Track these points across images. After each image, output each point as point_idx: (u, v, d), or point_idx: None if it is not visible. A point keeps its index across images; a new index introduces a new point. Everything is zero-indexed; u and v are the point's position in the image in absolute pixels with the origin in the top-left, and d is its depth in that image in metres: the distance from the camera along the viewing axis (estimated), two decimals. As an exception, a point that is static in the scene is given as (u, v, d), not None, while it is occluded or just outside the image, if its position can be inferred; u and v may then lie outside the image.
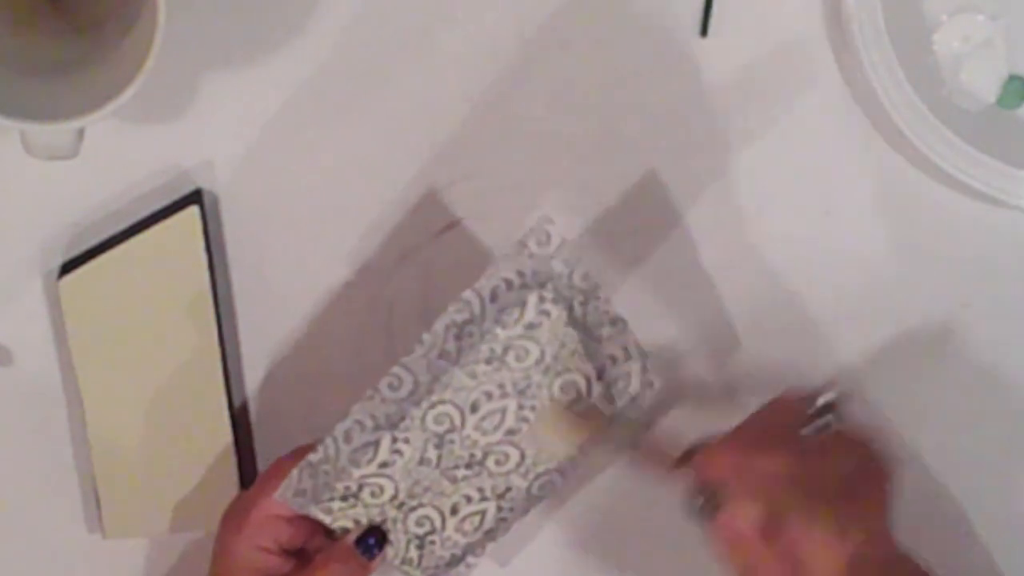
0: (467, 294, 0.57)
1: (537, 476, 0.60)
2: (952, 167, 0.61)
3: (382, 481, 0.58)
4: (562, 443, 0.59)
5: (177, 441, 0.62)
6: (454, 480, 0.59)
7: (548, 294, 0.57)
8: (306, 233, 0.63)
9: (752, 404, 0.58)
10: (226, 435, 0.62)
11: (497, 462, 0.59)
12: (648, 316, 0.63)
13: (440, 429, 0.58)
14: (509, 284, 0.57)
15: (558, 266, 0.57)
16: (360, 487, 0.58)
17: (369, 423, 0.58)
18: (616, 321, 0.59)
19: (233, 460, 0.63)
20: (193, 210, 0.61)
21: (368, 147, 0.63)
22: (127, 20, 0.56)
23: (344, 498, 0.58)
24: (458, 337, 0.58)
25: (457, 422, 0.58)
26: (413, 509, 0.59)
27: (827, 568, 0.52)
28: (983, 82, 0.63)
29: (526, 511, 0.61)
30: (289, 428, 0.64)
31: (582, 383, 0.59)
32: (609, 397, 0.60)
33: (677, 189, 0.64)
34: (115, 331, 0.61)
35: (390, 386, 0.57)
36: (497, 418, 0.58)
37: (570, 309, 0.58)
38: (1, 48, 0.56)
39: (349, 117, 0.62)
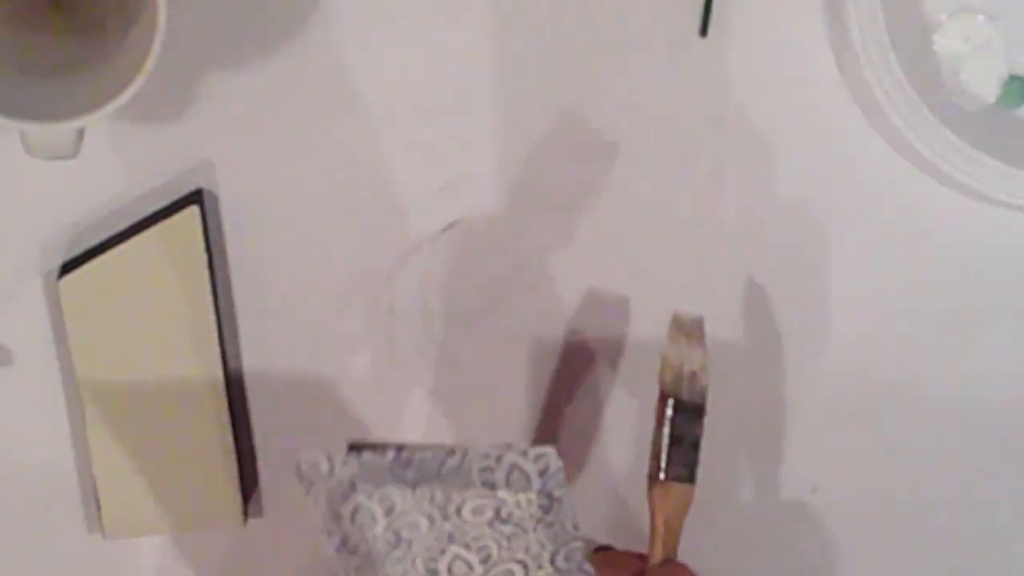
0: (322, 540, 0.54)
1: (551, 559, 0.56)
2: (952, 167, 0.61)
3: None
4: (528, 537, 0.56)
5: (177, 441, 0.62)
6: None
7: (367, 487, 0.54)
8: (306, 233, 0.63)
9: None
10: (226, 435, 0.62)
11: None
12: (650, 303, 0.63)
13: None
14: (332, 503, 0.54)
15: (346, 472, 0.54)
16: None
17: None
18: (453, 451, 0.54)
19: (233, 460, 0.63)
20: (193, 210, 0.60)
21: (368, 147, 0.62)
22: (127, 20, 0.56)
23: None
24: (352, 552, 0.55)
25: None
26: None
27: None
28: (983, 82, 0.63)
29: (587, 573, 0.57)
30: (289, 429, 0.64)
31: (485, 500, 0.54)
32: (523, 487, 0.55)
33: (676, 189, 0.64)
34: (115, 331, 0.61)
35: None
36: (460, 563, 0.55)
37: (401, 480, 0.54)
38: (1, 48, 0.56)
39: (349, 117, 0.62)
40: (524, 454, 0.55)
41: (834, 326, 0.65)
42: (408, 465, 0.55)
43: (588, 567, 0.55)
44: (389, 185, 0.63)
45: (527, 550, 0.56)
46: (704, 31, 0.63)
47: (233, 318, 0.63)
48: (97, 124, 0.52)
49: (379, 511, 0.54)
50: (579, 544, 0.56)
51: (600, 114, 0.63)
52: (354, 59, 0.62)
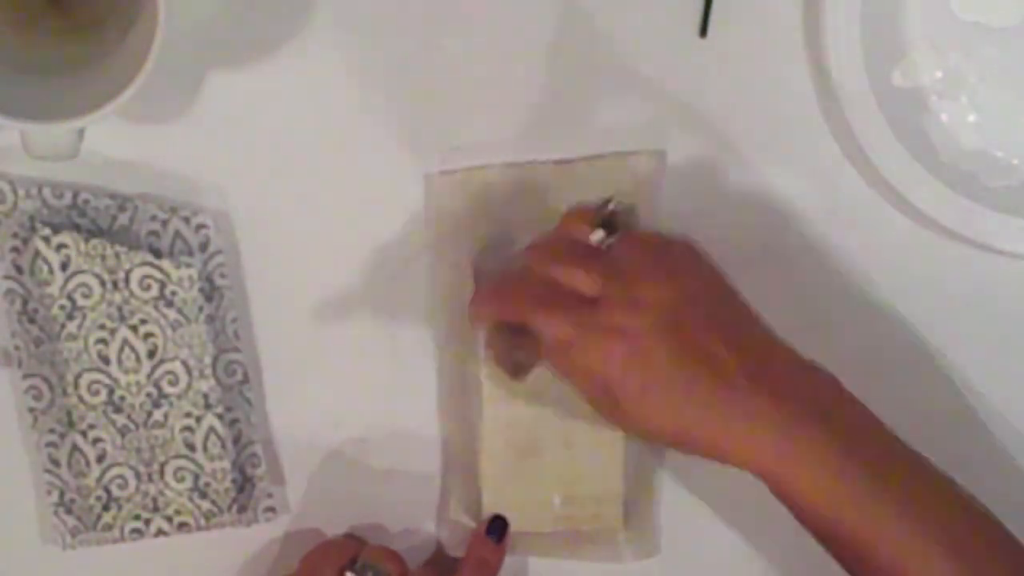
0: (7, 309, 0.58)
1: (212, 366, 0.60)
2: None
3: (115, 471, 0.60)
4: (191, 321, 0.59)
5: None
6: (161, 425, 0.60)
7: (46, 230, 0.57)
8: (306, 237, 0.63)
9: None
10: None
11: (171, 383, 0.59)
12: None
13: (101, 398, 0.59)
14: (14, 245, 0.58)
15: (29, 205, 0.58)
16: (106, 492, 0.60)
17: (56, 437, 0.60)
18: (124, 206, 0.59)
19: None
20: None
21: (369, 148, 0.63)
22: (127, 20, 0.56)
23: (106, 507, 0.60)
24: (32, 320, 0.59)
25: (107, 380, 0.59)
26: (162, 472, 0.60)
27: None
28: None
29: (248, 400, 0.61)
30: (290, 428, 0.64)
31: (151, 271, 0.58)
32: (185, 261, 0.59)
33: (675, 189, 0.64)
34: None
35: (35, 398, 0.59)
36: (128, 351, 0.59)
37: (77, 228, 0.58)
38: (1, 48, 0.56)
39: (350, 118, 0.62)
40: (187, 221, 0.59)
41: (821, 327, 0.65)
42: (84, 214, 0.58)
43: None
44: (389, 187, 0.63)
45: (190, 347, 0.58)
46: (704, 31, 0.63)
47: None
48: (97, 124, 0.52)
49: (55, 262, 0.57)
50: (239, 357, 0.59)
51: (599, 115, 0.63)
52: (355, 60, 0.62)
